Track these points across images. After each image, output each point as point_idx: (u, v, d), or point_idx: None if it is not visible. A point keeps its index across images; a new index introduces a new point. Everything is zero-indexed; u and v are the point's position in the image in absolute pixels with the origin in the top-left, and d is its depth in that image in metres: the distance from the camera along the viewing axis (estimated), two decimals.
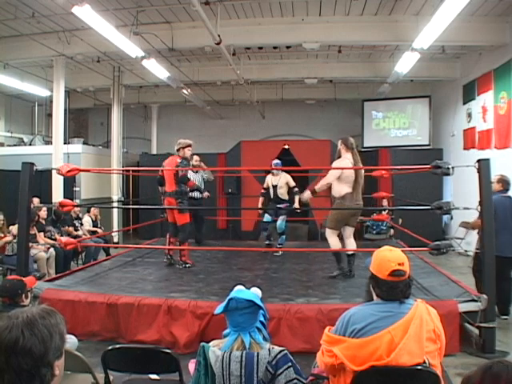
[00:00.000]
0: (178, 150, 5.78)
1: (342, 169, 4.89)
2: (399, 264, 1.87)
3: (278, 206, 6.69)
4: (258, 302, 1.91)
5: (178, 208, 5.68)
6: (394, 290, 1.85)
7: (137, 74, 9.88)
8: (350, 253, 5.07)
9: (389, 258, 1.90)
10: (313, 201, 5.90)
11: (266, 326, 2.03)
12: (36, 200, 6.57)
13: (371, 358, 1.71)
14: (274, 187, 6.77)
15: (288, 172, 6.95)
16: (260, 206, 7.23)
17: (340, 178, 4.91)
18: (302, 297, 4.31)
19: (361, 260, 5.07)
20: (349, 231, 5.15)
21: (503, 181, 4.66)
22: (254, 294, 2.00)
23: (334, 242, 5.07)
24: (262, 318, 1.99)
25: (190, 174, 7.10)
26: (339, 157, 5.07)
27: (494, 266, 3.87)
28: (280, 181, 6.75)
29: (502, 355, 3.68)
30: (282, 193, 6.75)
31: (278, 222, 6.73)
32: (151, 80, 9.84)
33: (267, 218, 6.93)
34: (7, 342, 1.07)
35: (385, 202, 8.26)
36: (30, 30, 7.59)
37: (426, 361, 1.75)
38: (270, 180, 6.90)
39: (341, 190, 4.93)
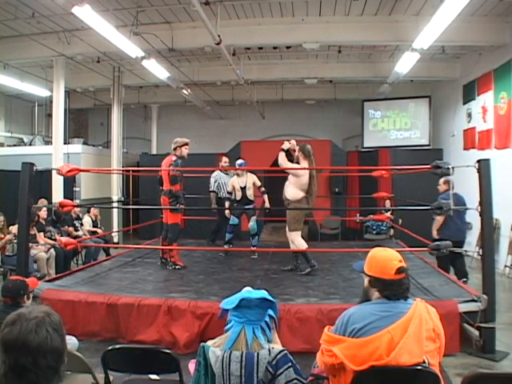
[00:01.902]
0: (174, 149, 5.70)
1: (307, 168, 5.32)
2: (400, 261, 1.92)
3: (247, 206, 6.59)
4: (270, 298, 1.92)
5: (169, 208, 5.63)
6: (401, 287, 1.88)
7: (137, 74, 9.88)
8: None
9: (390, 257, 1.93)
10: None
11: (271, 326, 2.02)
12: (43, 201, 6.58)
13: (371, 358, 1.71)
14: (243, 188, 6.61)
15: (253, 172, 6.85)
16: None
17: (296, 183, 5.31)
18: (302, 297, 4.31)
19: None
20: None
21: (448, 182, 5.68)
22: (264, 293, 2.01)
23: (302, 242, 5.37)
24: (267, 319, 1.98)
25: (222, 177, 7.04)
26: (297, 163, 5.45)
27: (494, 266, 3.91)
28: (247, 181, 6.62)
29: (502, 355, 3.68)
30: (251, 193, 6.64)
31: (251, 224, 6.63)
32: (151, 80, 9.84)
33: (234, 220, 6.75)
34: (37, 343, 1.09)
35: (388, 203, 8.24)
36: (29, 30, 7.59)
37: (426, 360, 1.74)
38: (235, 182, 6.69)
39: (297, 194, 5.31)
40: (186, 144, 5.73)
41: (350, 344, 1.77)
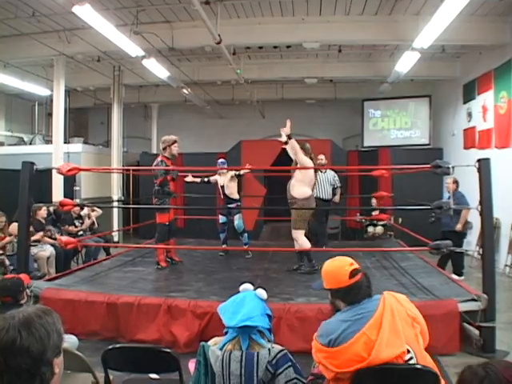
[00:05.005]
0: (164, 149, 5.58)
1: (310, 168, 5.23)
2: (351, 264, 1.96)
3: (229, 206, 6.57)
4: (260, 322, 1.89)
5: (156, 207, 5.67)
6: (360, 289, 1.91)
7: (137, 73, 9.88)
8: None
9: (339, 265, 1.98)
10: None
11: (271, 327, 2.01)
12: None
13: (354, 362, 1.72)
14: (222, 187, 6.63)
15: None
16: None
17: (304, 178, 5.25)
18: (302, 296, 4.31)
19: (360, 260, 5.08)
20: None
21: (457, 181, 6.37)
22: (256, 308, 1.94)
23: (305, 241, 5.34)
24: (265, 324, 1.95)
25: (319, 175, 6.13)
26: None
27: (494, 266, 3.92)
28: (226, 180, 6.60)
29: (503, 354, 3.68)
30: (230, 192, 6.59)
31: (236, 223, 6.58)
32: (151, 79, 9.83)
33: (222, 219, 6.75)
34: (5, 343, 1.07)
35: (374, 202, 8.40)
36: (30, 29, 7.58)
37: (410, 349, 1.75)
38: (218, 180, 6.74)
39: (305, 192, 5.25)
40: (175, 142, 5.59)
41: (330, 354, 1.78)
